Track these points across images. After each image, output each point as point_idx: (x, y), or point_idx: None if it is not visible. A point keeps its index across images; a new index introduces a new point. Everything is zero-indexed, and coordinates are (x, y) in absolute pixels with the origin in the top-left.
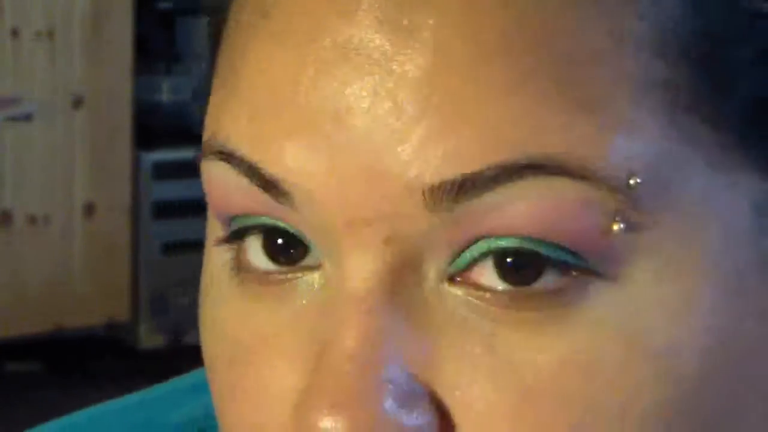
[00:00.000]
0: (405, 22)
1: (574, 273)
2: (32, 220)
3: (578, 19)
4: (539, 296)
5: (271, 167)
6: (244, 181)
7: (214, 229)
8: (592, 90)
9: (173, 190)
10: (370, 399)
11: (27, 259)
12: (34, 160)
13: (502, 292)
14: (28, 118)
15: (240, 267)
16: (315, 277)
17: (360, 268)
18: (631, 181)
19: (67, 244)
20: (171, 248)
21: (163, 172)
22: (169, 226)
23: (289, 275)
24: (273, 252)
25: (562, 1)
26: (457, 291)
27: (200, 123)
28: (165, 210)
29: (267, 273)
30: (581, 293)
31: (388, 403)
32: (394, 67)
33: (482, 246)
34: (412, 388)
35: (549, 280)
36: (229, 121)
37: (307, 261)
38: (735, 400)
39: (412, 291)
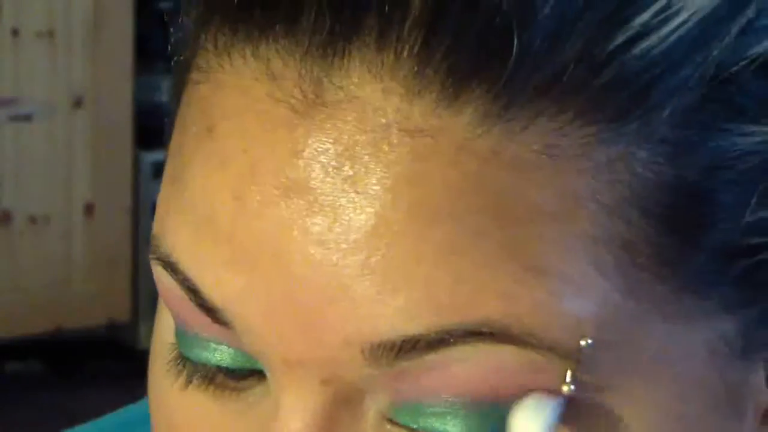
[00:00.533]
0: (350, 171)
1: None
2: (32, 220)
3: (529, 179)
4: None
5: (210, 293)
6: (187, 297)
7: (161, 313)
8: (542, 252)
9: None
10: None
11: (27, 259)
12: (34, 160)
13: None
14: (28, 118)
15: (182, 362)
16: (261, 389)
17: (295, 405)
18: (582, 343)
19: (67, 244)
20: None
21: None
22: None
23: (240, 383)
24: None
25: (512, 162)
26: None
27: None
28: None
29: (215, 375)
30: None
31: None
32: (338, 216)
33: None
34: None
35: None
36: (173, 230)
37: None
38: None
39: (351, 427)
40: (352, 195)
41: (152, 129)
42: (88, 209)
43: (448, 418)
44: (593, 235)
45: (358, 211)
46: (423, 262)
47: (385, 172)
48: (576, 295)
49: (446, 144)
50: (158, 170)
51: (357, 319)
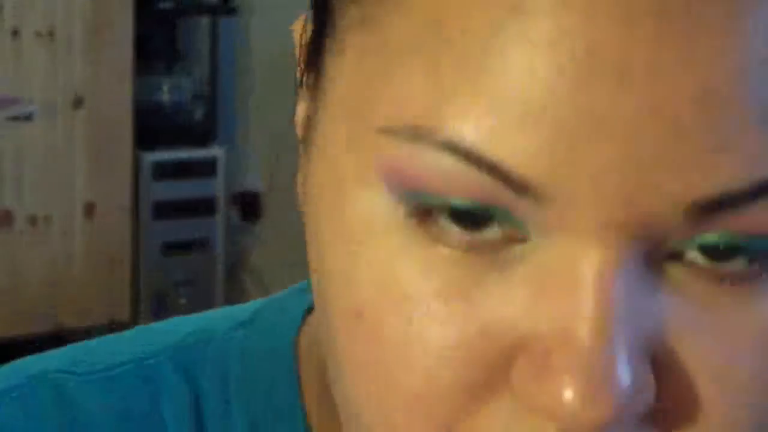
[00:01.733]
0: (682, 42)
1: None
2: (32, 220)
3: None
4: (738, 274)
5: (525, 170)
6: (468, 174)
7: (366, 188)
8: None
9: (173, 190)
10: (615, 381)
11: (27, 259)
12: (34, 160)
13: (708, 269)
14: (28, 118)
15: (426, 229)
16: (522, 249)
17: (602, 262)
18: None
19: (67, 244)
20: (171, 248)
21: (163, 172)
22: (169, 226)
23: (493, 243)
24: (459, 220)
25: None
26: (677, 268)
27: (200, 123)
28: (165, 210)
29: (466, 238)
30: None
31: (627, 380)
32: (664, 86)
33: (703, 238)
34: (645, 359)
35: (745, 259)
36: (461, 118)
37: (496, 230)
38: None
39: (645, 273)
40: (686, 59)
41: (152, 129)
42: (88, 209)
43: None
44: None
45: (691, 74)
46: (748, 122)
47: (715, 40)
48: None
49: None
50: (158, 170)
51: (687, 180)
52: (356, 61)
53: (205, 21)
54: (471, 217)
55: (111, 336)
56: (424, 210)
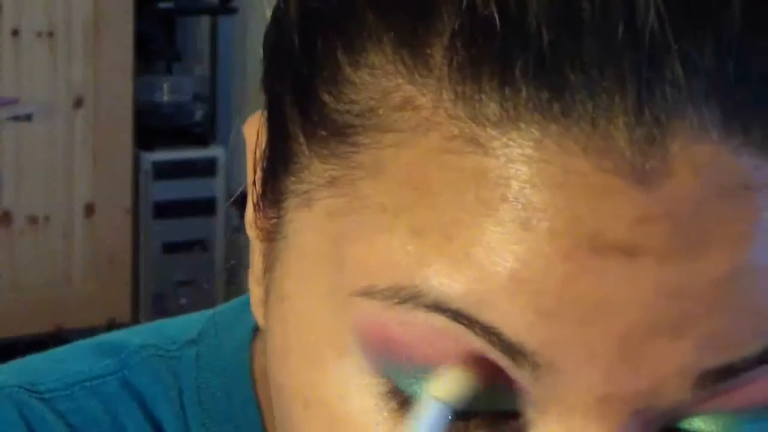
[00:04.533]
0: (696, 231)
1: None
2: (32, 220)
3: None
4: None
5: (522, 338)
6: (463, 334)
7: (341, 353)
8: None
9: (173, 190)
10: None
11: (27, 259)
12: (34, 160)
13: None
14: (28, 118)
15: (405, 402)
16: (514, 426)
17: None
18: None
19: (67, 244)
20: (171, 248)
21: (163, 172)
22: (169, 226)
23: (481, 419)
24: None
25: None
26: None
27: (200, 123)
28: (165, 210)
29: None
30: None
31: None
32: (675, 271)
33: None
34: None
35: None
36: (449, 278)
37: (480, 419)
38: None
39: None
40: (689, 258)
41: (152, 129)
42: (88, 209)
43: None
44: None
45: (696, 267)
46: (760, 303)
47: (732, 227)
48: None
49: None
50: (158, 170)
51: (695, 352)
52: (326, 219)
53: (205, 21)
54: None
55: (55, 351)
56: (402, 395)
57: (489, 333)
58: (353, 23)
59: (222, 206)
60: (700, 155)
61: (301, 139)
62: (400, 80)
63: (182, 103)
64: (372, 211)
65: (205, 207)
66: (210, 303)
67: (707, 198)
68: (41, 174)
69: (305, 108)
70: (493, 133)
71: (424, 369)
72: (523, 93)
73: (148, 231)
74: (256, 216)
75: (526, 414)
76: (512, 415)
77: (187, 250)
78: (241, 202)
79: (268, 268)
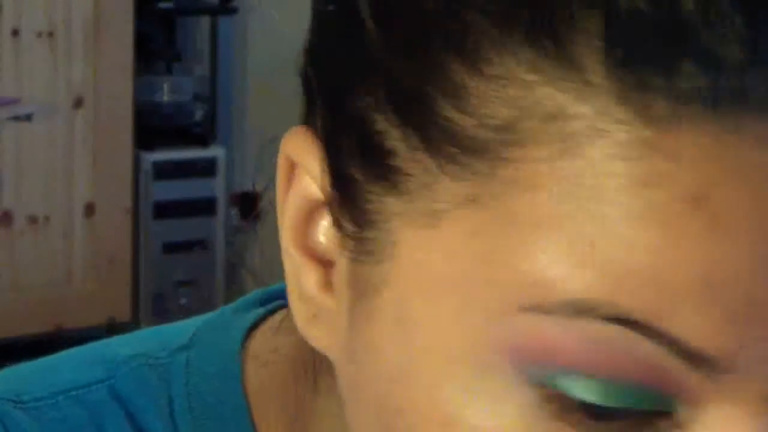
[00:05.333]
0: None
1: None
2: (32, 220)
3: None
4: None
5: (700, 343)
6: (640, 345)
7: (493, 379)
8: None
9: (173, 190)
10: None
11: (27, 259)
12: (34, 160)
13: None
14: (28, 118)
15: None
16: (666, 424)
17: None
18: None
19: (67, 244)
20: (171, 248)
21: (163, 172)
22: (169, 226)
23: (638, 424)
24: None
25: None
26: None
27: (200, 123)
28: (165, 210)
29: (608, 420)
30: None
31: None
32: None
33: None
34: None
35: None
36: (630, 295)
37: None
38: None
39: None
40: None
41: (152, 129)
42: (88, 209)
43: None
44: None
45: None
46: None
47: None
48: None
49: None
50: (158, 170)
51: None
52: (467, 238)
53: (205, 21)
54: (610, 413)
55: (46, 360)
56: (559, 396)
57: (669, 342)
58: (467, 29)
59: (222, 206)
60: None
61: (419, 156)
62: (546, 89)
63: (182, 103)
64: (531, 226)
65: (205, 207)
66: (210, 303)
67: None
68: (41, 174)
69: (417, 123)
70: (667, 132)
71: (588, 375)
72: (692, 86)
73: (148, 231)
74: (311, 236)
75: (681, 412)
76: (660, 414)
77: (187, 250)
78: (242, 203)
79: (363, 293)
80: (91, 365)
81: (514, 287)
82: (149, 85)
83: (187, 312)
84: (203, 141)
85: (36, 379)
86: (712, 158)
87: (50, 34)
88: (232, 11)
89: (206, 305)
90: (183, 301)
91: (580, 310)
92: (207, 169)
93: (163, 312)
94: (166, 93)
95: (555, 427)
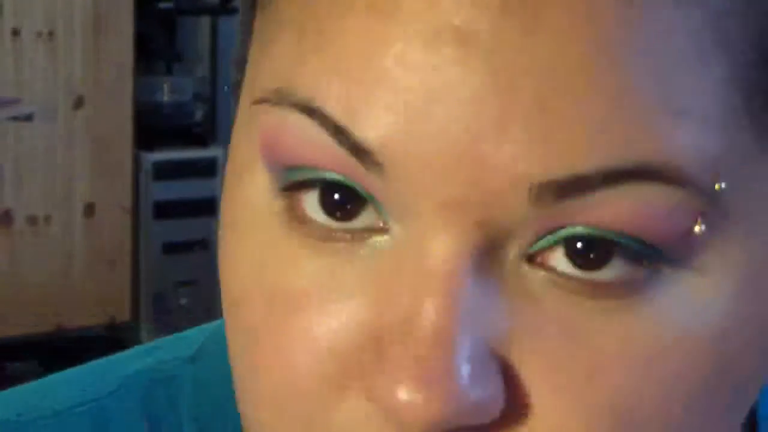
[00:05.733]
0: (528, 11)
1: (645, 262)
2: (32, 220)
3: (678, 19)
4: (608, 285)
5: (365, 134)
6: (326, 140)
7: (252, 171)
8: (686, 96)
9: (173, 190)
10: (451, 375)
11: (27, 259)
12: (34, 160)
13: (574, 277)
14: (28, 118)
15: (295, 217)
16: (381, 240)
17: (446, 248)
18: (717, 187)
19: (67, 244)
20: (171, 248)
21: (163, 172)
22: (169, 226)
23: (353, 234)
24: (330, 207)
25: (663, 3)
26: (535, 272)
27: (200, 123)
28: (165, 210)
29: (329, 229)
30: (651, 283)
31: (465, 379)
32: (508, 56)
33: (561, 233)
34: (488, 363)
35: (618, 267)
36: (313, 78)
37: (365, 219)
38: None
39: (494, 270)
40: (530, 34)
41: (152, 129)
42: (88, 209)
43: None
44: (725, 77)
45: (533, 51)
46: (595, 102)
47: (563, 12)
48: (713, 136)
49: None
50: (158, 170)
51: (526, 157)
52: (255, 45)
53: (205, 21)
54: (340, 203)
55: (56, 376)
56: (294, 190)
57: (338, 130)
58: None
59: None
60: None
61: None
62: None
63: (182, 104)
64: (277, 24)
65: (205, 207)
66: (210, 303)
67: None
68: (41, 174)
69: None
70: None
71: (311, 172)
72: None
73: (148, 231)
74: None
75: (390, 226)
76: (383, 228)
77: (187, 250)
78: None
79: None
80: (98, 380)
81: (257, 82)
82: (149, 85)
83: (187, 312)
84: (203, 141)
85: (37, 399)
86: None
87: (50, 34)
88: (232, 11)
89: (206, 305)
90: (183, 301)
91: (280, 96)
92: (207, 169)
93: (163, 312)
94: (166, 93)
95: (289, 225)
